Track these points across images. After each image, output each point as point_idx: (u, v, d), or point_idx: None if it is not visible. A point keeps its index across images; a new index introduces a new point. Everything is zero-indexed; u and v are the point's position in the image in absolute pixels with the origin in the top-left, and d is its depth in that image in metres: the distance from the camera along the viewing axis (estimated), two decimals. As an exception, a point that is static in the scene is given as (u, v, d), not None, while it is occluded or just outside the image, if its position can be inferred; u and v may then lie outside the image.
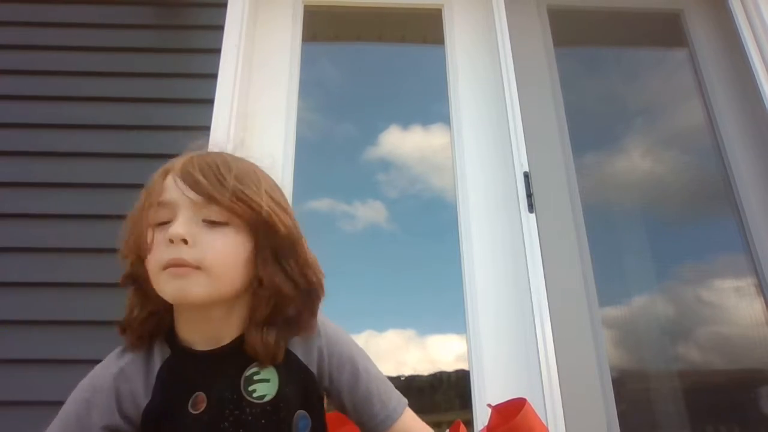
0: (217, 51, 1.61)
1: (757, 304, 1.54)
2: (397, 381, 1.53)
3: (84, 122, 1.54)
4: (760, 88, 1.68)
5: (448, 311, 1.60)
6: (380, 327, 1.55)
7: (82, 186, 1.47)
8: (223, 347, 0.69)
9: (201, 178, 0.66)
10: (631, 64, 2.00)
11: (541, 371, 1.34)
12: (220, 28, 1.65)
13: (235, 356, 0.69)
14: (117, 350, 0.72)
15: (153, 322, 0.70)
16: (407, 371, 1.57)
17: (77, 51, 1.64)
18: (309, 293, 0.71)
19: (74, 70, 1.61)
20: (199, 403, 0.67)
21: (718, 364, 1.59)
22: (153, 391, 0.67)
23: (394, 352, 1.56)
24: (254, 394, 0.68)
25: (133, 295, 0.71)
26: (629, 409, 1.41)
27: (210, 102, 1.54)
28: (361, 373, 0.73)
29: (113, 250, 1.37)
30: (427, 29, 1.99)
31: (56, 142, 1.51)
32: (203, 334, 0.70)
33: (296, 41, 1.83)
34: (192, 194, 0.65)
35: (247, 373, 0.68)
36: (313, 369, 0.72)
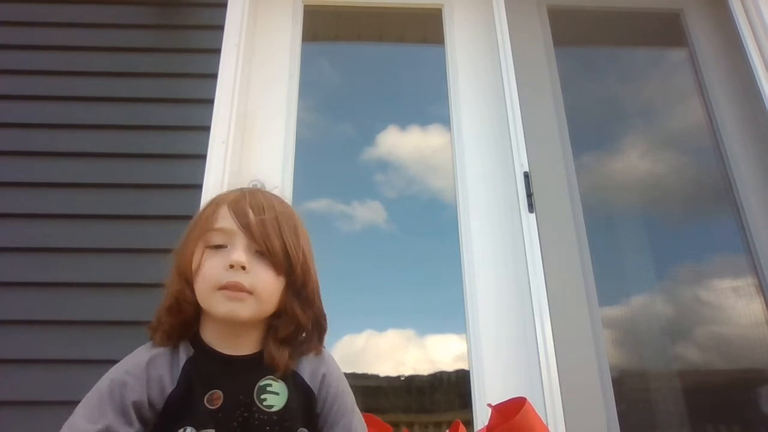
0: (217, 51, 1.61)
1: (757, 304, 1.54)
2: (397, 381, 1.53)
3: (84, 122, 1.54)
4: (760, 88, 1.68)
5: (448, 311, 1.60)
6: (380, 327, 1.55)
7: (82, 186, 1.47)
8: (244, 356, 0.77)
9: (252, 217, 0.76)
10: (631, 64, 2.00)
11: (541, 371, 1.34)
12: (220, 28, 1.65)
13: (253, 366, 0.77)
14: (146, 345, 0.79)
15: (182, 327, 0.78)
16: (407, 371, 1.57)
17: (77, 51, 1.64)
18: (318, 324, 0.82)
19: (74, 70, 1.61)
20: (215, 399, 0.73)
21: (718, 364, 1.59)
22: (178, 380, 0.74)
23: (394, 352, 1.56)
24: (264, 403, 0.74)
25: (168, 305, 0.78)
26: (629, 409, 1.41)
27: (210, 102, 1.54)
28: (348, 410, 0.81)
29: (113, 251, 1.39)
30: (427, 29, 1.99)
31: (56, 142, 1.51)
32: (227, 344, 0.78)
33: (296, 41, 1.83)
34: (244, 230, 0.76)
35: (261, 383, 0.76)
36: (315, 391, 0.79)
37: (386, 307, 1.59)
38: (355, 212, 1.77)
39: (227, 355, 0.77)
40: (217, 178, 1.45)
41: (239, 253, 0.74)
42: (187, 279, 0.77)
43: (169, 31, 1.71)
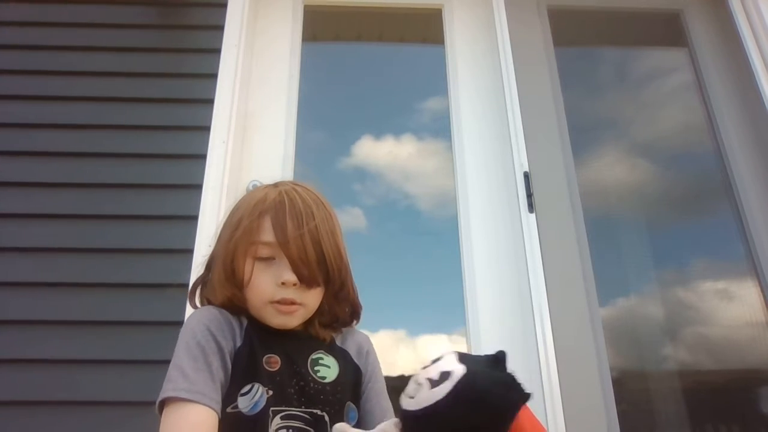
0: (217, 51, 1.61)
1: (757, 304, 1.54)
2: (399, 381, 1.53)
3: (84, 122, 1.54)
4: (760, 88, 1.68)
5: (448, 311, 1.60)
6: (373, 327, 1.55)
7: (82, 186, 1.47)
8: (293, 330, 0.82)
9: (290, 232, 0.78)
10: (631, 64, 2.00)
11: (541, 371, 1.34)
12: (220, 28, 1.65)
13: (305, 340, 0.82)
14: (205, 306, 0.82)
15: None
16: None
17: (78, 51, 1.64)
18: (354, 312, 0.89)
19: (74, 70, 1.61)
20: (273, 363, 0.76)
21: (718, 364, 1.59)
22: (243, 338, 0.77)
23: (395, 352, 1.56)
24: (318, 374, 0.78)
25: (221, 303, 0.81)
26: (629, 409, 1.41)
27: (210, 102, 1.54)
28: (383, 390, 0.86)
29: (113, 251, 1.38)
30: (427, 29, 1.99)
31: (56, 142, 1.51)
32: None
33: (296, 41, 1.83)
34: (283, 249, 0.78)
35: (314, 356, 0.81)
36: (362, 368, 0.85)
37: (386, 307, 1.59)
38: (357, 213, 1.77)
39: (280, 329, 0.81)
40: (217, 178, 1.45)
41: (289, 273, 0.77)
42: (237, 286, 0.80)
43: (169, 31, 1.71)
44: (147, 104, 1.57)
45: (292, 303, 0.78)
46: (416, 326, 1.58)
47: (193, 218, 1.40)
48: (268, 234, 0.79)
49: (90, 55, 1.63)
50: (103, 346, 1.29)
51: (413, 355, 1.58)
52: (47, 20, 1.67)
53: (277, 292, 0.78)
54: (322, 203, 0.85)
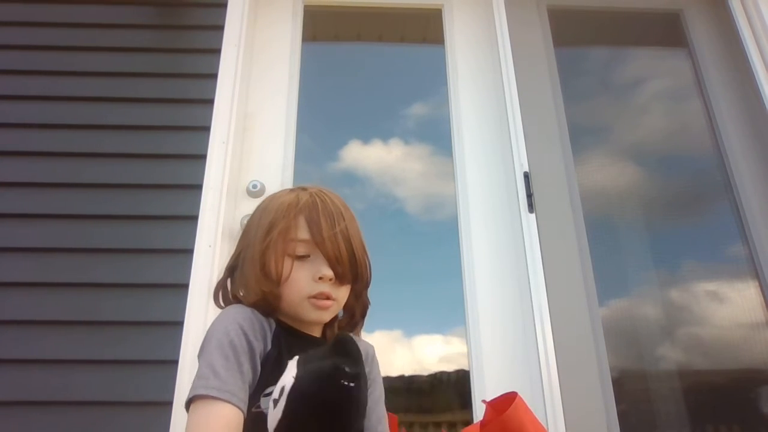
0: (217, 51, 1.61)
1: (757, 304, 1.54)
2: (398, 381, 1.53)
3: (84, 122, 1.54)
4: (760, 88, 1.68)
5: (444, 311, 1.60)
6: (368, 328, 1.55)
7: (82, 186, 1.47)
8: (313, 336, 0.87)
9: (325, 231, 0.82)
10: (630, 64, 2.00)
11: (541, 371, 1.34)
12: (220, 28, 1.65)
13: (322, 347, 0.82)
14: (235, 305, 0.83)
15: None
16: (407, 371, 1.57)
17: (77, 51, 1.64)
18: (364, 313, 0.94)
19: (74, 70, 1.61)
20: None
21: (718, 364, 1.59)
22: (272, 341, 0.80)
23: (391, 353, 1.56)
24: None
25: (255, 302, 0.83)
26: (629, 409, 1.41)
27: (210, 102, 1.54)
28: (381, 397, 0.92)
29: (113, 251, 1.38)
30: (427, 29, 1.99)
31: (56, 142, 1.51)
32: (300, 328, 0.87)
33: (296, 41, 1.83)
34: (319, 247, 0.83)
35: None
36: (367, 373, 0.86)
37: (387, 306, 1.59)
38: (357, 214, 1.77)
39: (305, 333, 0.85)
40: (217, 178, 1.45)
41: (327, 268, 0.82)
42: (274, 283, 0.83)
43: (169, 31, 1.71)
44: (147, 104, 1.57)
45: (328, 297, 0.82)
46: (412, 327, 1.58)
47: (193, 218, 1.40)
48: (303, 232, 0.83)
49: (90, 55, 1.63)
50: (101, 346, 1.29)
51: (410, 355, 1.58)
52: (47, 20, 1.67)
53: (314, 287, 0.82)
54: (347, 206, 0.90)
